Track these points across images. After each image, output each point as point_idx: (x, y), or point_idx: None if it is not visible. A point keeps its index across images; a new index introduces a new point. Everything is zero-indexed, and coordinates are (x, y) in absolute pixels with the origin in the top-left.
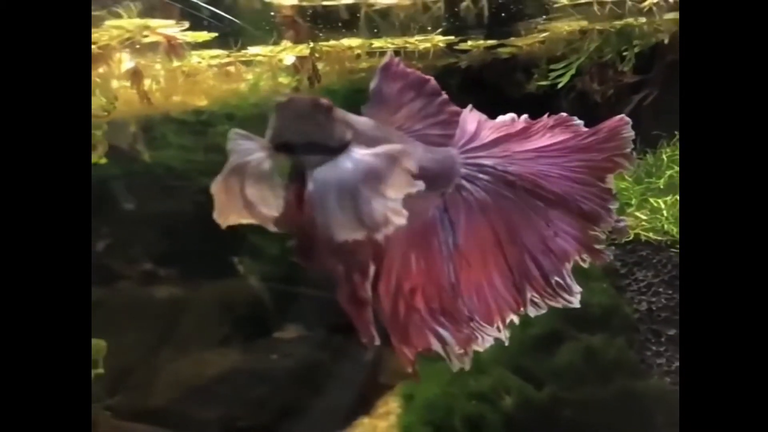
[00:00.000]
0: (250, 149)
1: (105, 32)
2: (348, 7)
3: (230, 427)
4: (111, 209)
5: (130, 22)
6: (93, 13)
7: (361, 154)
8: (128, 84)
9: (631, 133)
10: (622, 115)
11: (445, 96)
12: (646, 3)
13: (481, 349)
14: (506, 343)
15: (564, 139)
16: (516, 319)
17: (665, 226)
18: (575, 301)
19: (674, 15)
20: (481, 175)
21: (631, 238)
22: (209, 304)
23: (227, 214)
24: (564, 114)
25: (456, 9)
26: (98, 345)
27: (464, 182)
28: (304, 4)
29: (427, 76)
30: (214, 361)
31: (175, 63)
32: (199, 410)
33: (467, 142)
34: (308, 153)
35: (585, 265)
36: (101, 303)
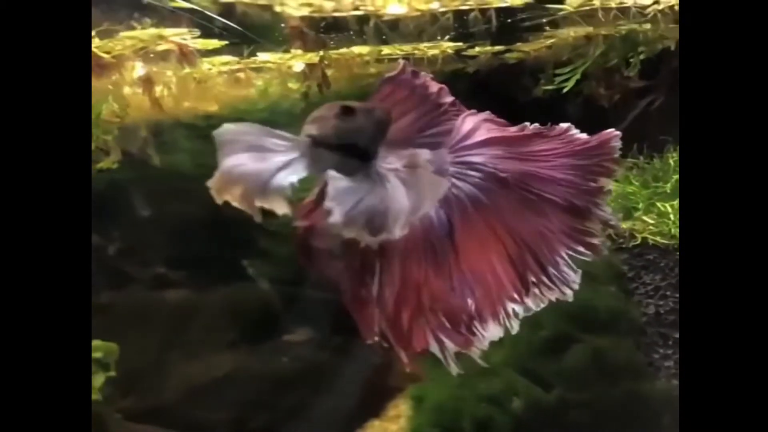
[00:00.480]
0: (269, 146)
1: (119, 42)
2: (357, 18)
3: (240, 430)
4: (122, 213)
5: (144, 33)
6: (110, 27)
7: (394, 165)
8: (140, 91)
9: (619, 144)
10: (612, 129)
11: (454, 101)
12: (649, 9)
13: (484, 347)
14: (513, 332)
15: (557, 145)
16: (519, 309)
17: (672, 230)
18: (569, 294)
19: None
20: (470, 172)
21: (638, 242)
22: (219, 307)
23: (222, 195)
24: (564, 126)
25: (465, 17)
26: (110, 348)
27: (454, 180)
28: (315, 15)
29: (437, 82)
30: (224, 363)
31: (187, 70)
32: (209, 412)
33: (458, 142)
34: (357, 157)
35: (587, 259)
36: (113, 306)
